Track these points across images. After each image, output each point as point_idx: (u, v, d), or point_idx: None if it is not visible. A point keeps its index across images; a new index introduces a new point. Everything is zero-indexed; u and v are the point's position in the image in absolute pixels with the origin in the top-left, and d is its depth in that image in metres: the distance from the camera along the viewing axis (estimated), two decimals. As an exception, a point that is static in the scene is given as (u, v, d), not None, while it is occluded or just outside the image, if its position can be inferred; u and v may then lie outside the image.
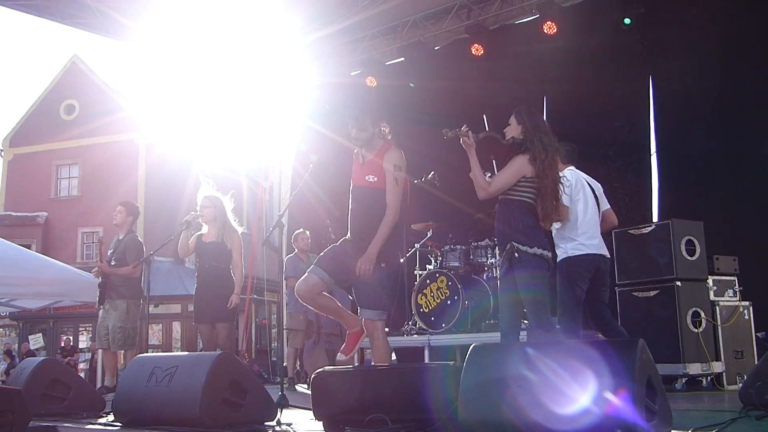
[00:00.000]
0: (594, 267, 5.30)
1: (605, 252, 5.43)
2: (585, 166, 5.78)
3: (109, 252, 7.36)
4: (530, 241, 4.51)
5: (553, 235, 5.45)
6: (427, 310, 7.70)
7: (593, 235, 5.36)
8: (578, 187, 5.44)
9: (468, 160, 4.62)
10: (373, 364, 4.75)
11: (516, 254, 4.49)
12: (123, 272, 7.26)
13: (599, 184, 5.70)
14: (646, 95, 8.41)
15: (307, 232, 8.94)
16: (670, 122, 8.22)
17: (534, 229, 4.58)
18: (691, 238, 6.58)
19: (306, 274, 4.66)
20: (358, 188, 4.70)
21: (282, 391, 4.77)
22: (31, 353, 19.17)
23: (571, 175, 5.41)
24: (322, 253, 4.80)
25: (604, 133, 8.64)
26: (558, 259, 5.37)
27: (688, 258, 6.52)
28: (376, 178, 4.59)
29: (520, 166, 4.57)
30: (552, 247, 4.68)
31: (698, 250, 6.59)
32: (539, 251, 4.49)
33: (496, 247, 7.59)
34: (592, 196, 5.51)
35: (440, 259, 8.00)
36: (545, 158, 4.55)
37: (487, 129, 4.85)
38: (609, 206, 5.72)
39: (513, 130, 4.70)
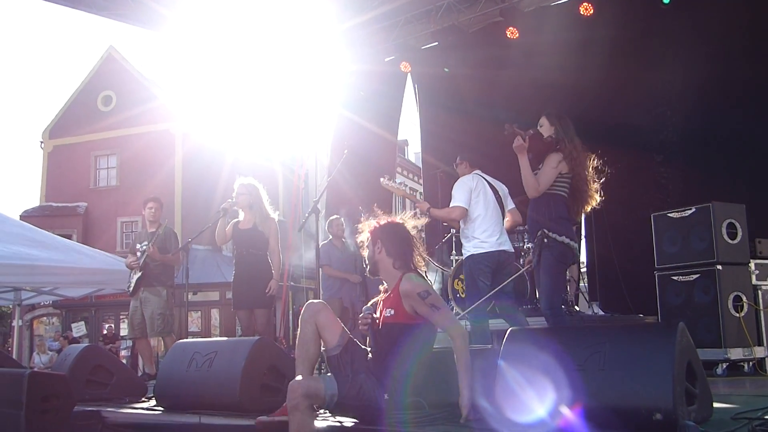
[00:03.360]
0: (495, 261, 5.80)
1: (506, 247, 5.90)
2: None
3: (144, 244, 7.45)
4: (560, 229, 4.86)
5: (460, 235, 6.01)
6: (463, 296, 7.67)
7: (493, 233, 5.84)
8: (479, 190, 5.93)
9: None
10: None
11: (545, 240, 4.83)
12: (171, 259, 7.45)
13: (504, 186, 6.15)
14: (685, 79, 8.23)
15: (342, 219, 8.94)
16: (711, 106, 8.04)
17: (565, 221, 4.93)
18: (733, 221, 6.44)
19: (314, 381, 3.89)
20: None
21: (319, 376, 4.81)
22: (75, 340, 19.64)
23: (473, 179, 5.97)
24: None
25: (643, 119, 8.50)
26: (464, 257, 6.00)
27: (730, 241, 6.39)
28: (393, 311, 3.86)
29: (557, 163, 4.89)
30: (577, 239, 4.95)
31: (740, 233, 6.45)
32: (567, 240, 4.86)
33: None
34: (494, 197, 5.98)
35: (476, 244, 7.96)
36: (576, 156, 4.91)
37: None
38: (514, 206, 6.17)
39: (546, 130, 5.03)
